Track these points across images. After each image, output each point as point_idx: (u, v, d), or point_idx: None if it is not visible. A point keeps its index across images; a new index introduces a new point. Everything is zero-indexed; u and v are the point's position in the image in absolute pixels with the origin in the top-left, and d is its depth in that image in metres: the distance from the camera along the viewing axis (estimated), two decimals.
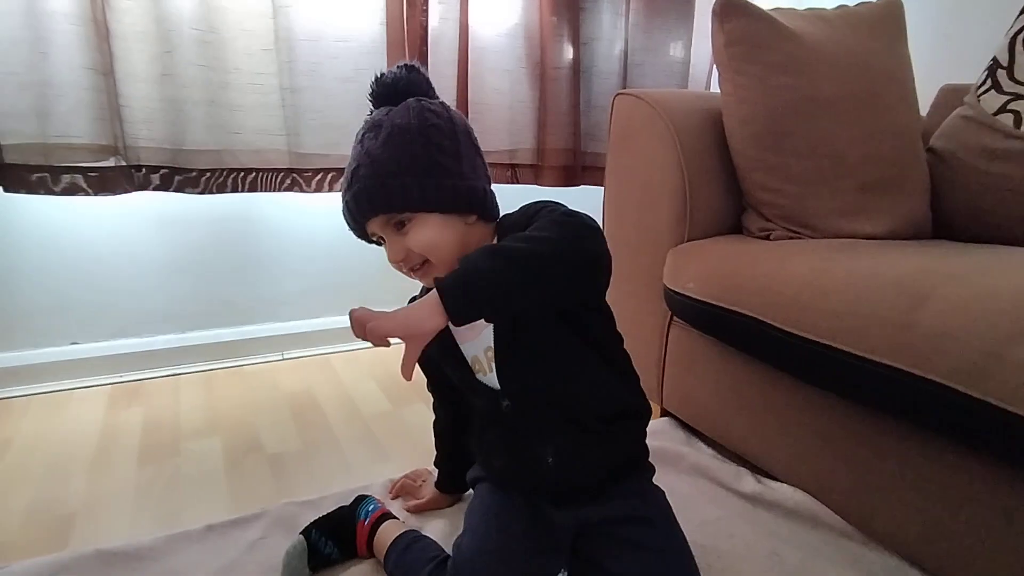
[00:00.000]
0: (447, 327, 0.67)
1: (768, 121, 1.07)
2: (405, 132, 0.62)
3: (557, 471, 0.69)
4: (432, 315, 0.54)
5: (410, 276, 0.68)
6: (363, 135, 0.64)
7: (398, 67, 0.67)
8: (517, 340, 0.67)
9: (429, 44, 1.43)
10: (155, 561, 0.81)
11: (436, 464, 0.92)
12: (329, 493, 0.94)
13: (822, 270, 0.87)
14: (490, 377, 0.70)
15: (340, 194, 0.66)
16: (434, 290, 0.54)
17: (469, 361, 0.71)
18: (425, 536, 0.80)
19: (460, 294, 0.54)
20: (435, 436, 0.91)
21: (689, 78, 1.80)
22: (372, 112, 0.67)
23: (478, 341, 0.70)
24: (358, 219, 0.64)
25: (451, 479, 0.90)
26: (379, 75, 0.67)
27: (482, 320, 0.67)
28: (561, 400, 0.69)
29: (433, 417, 0.91)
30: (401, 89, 0.66)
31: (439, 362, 0.76)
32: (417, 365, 0.68)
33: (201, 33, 1.21)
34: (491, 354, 0.68)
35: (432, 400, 0.90)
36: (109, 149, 1.17)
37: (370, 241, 0.69)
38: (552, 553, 0.69)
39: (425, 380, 0.87)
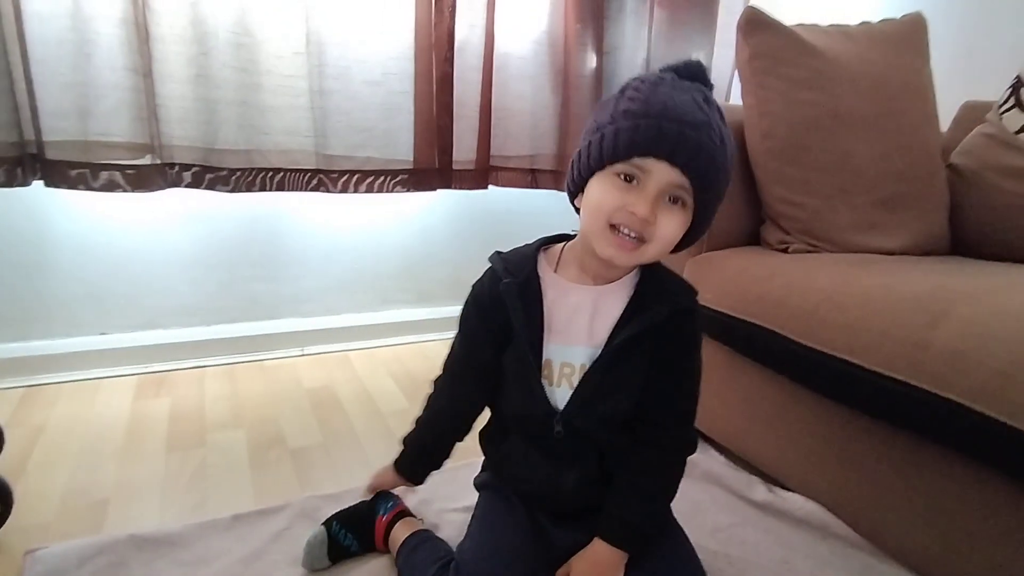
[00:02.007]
0: (542, 313, 0.66)
1: (789, 135, 1.09)
2: (734, 148, 0.62)
3: (573, 495, 0.70)
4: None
5: (610, 234, 0.60)
6: (704, 100, 0.58)
7: (699, 61, 0.62)
8: (611, 373, 0.65)
9: (455, 50, 1.46)
10: (185, 547, 0.84)
11: (406, 441, 0.82)
12: (350, 487, 0.97)
13: (840, 285, 0.88)
14: (556, 392, 0.67)
15: (646, 106, 0.57)
16: (606, 549, 0.67)
17: (543, 361, 0.67)
18: (436, 537, 0.81)
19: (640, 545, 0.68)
20: (426, 411, 0.80)
21: None
22: (674, 75, 0.61)
23: (566, 349, 0.66)
24: (677, 155, 0.56)
25: (415, 466, 0.82)
26: (692, 60, 0.62)
27: (585, 329, 0.66)
28: (607, 439, 0.69)
29: (433, 392, 0.80)
30: (704, 81, 0.62)
31: (504, 338, 0.68)
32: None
33: (236, 36, 1.25)
34: (568, 370, 0.66)
35: (443, 374, 0.78)
36: (145, 147, 1.21)
37: (603, 163, 0.59)
38: (547, 568, 0.70)
39: (449, 355, 0.78)
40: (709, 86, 0.61)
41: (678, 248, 0.64)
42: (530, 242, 0.72)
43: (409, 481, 0.83)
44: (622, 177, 0.59)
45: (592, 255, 0.63)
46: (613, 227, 0.59)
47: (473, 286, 0.72)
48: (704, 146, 0.56)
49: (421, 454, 0.82)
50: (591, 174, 0.61)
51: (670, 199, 0.59)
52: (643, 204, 0.57)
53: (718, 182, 0.59)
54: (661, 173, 0.57)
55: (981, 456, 0.71)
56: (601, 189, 0.60)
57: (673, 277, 0.69)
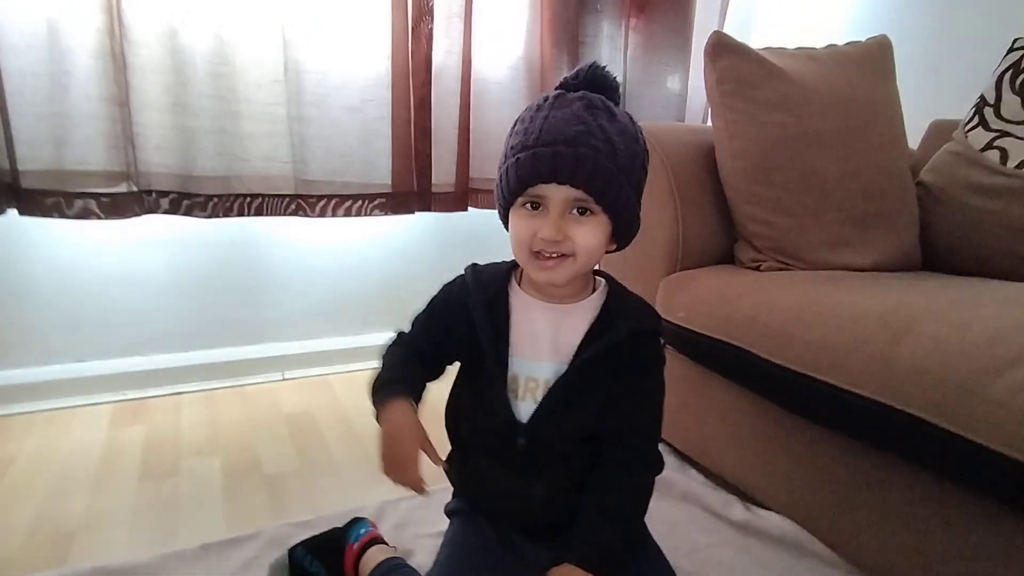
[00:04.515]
0: (508, 328, 0.67)
1: (759, 156, 1.11)
2: (635, 140, 0.63)
3: (542, 508, 0.70)
4: None
5: (535, 260, 0.63)
6: (584, 108, 0.60)
7: (595, 63, 0.64)
8: (574, 390, 0.66)
9: (433, 76, 1.48)
10: None
11: (383, 380, 0.68)
12: (323, 514, 0.96)
13: (808, 303, 0.89)
14: (520, 405, 0.67)
15: (525, 137, 0.60)
16: (578, 572, 0.64)
17: (509, 378, 0.67)
18: (407, 565, 0.80)
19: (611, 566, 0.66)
20: (393, 356, 0.71)
21: (687, 110, 1.85)
22: (560, 92, 0.63)
23: (532, 364, 0.67)
24: (558, 175, 0.59)
25: (414, 388, 0.69)
26: (585, 65, 0.64)
27: (549, 345, 0.67)
28: (571, 452, 0.68)
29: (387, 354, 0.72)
30: (600, 84, 0.64)
31: (461, 346, 0.69)
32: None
33: (214, 65, 1.27)
34: (533, 385, 0.67)
35: (395, 346, 0.73)
36: (122, 175, 1.22)
37: (509, 199, 0.63)
38: None
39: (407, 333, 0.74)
40: (601, 88, 0.63)
41: (619, 247, 0.68)
42: (507, 259, 0.72)
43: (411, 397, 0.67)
44: (528, 207, 0.62)
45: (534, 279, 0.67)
46: (536, 253, 0.62)
47: (445, 286, 0.73)
48: (582, 157, 0.58)
49: (413, 379, 0.70)
50: (507, 210, 0.65)
51: (577, 211, 0.61)
52: (548, 227, 0.60)
53: (613, 182, 0.60)
54: (555, 194, 0.60)
55: (947, 472, 0.71)
56: (515, 222, 0.64)
57: (636, 299, 0.71)
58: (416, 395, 0.68)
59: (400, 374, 0.69)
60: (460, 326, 0.69)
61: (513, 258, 0.71)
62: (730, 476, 1.07)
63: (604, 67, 0.64)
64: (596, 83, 0.63)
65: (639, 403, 0.69)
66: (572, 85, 0.63)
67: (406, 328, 0.75)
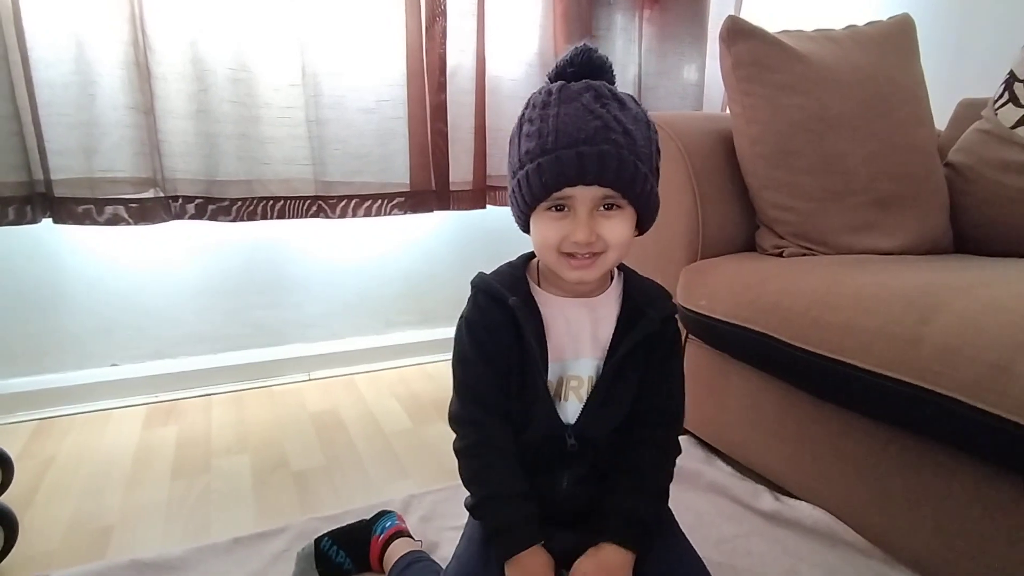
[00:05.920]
0: (543, 331, 0.65)
1: (777, 140, 1.09)
2: (646, 125, 0.61)
3: (567, 498, 0.69)
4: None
5: (565, 260, 0.61)
6: (594, 100, 0.57)
7: (585, 47, 0.61)
8: (616, 381, 0.66)
9: (448, 75, 1.49)
10: (185, 571, 0.84)
11: (505, 510, 0.64)
12: (350, 508, 0.97)
13: (832, 285, 0.87)
14: (566, 407, 0.66)
15: (541, 139, 0.57)
16: (614, 551, 0.63)
17: (549, 383, 0.66)
18: (429, 559, 0.80)
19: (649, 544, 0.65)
20: (491, 460, 0.66)
21: (704, 100, 1.83)
22: (562, 83, 0.60)
23: (572, 363, 0.66)
24: (586, 176, 0.56)
25: (525, 530, 0.64)
26: (578, 50, 0.60)
27: (588, 341, 0.66)
28: (607, 441, 0.68)
29: (465, 440, 0.67)
30: (597, 68, 0.61)
31: (510, 366, 0.65)
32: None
33: (234, 72, 1.29)
34: (576, 383, 0.66)
35: (465, 429, 0.68)
36: (149, 182, 1.25)
37: (532, 205, 0.60)
38: None
39: (455, 396, 0.69)
40: (599, 72, 0.60)
41: (641, 232, 0.65)
42: (510, 260, 0.71)
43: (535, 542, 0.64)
44: (553, 209, 0.60)
45: (561, 277, 0.64)
46: (566, 253, 0.60)
47: (464, 319, 0.67)
48: (605, 154, 0.56)
49: (532, 506, 0.66)
50: (527, 215, 0.62)
51: (604, 207, 0.59)
52: (580, 230, 0.58)
53: (638, 175, 0.58)
54: (582, 195, 0.58)
55: (981, 453, 0.69)
56: (540, 226, 0.61)
57: (651, 283, 0.71)
58: (536, 519, 0.64)
59: (516, 507, 0.64)
60: (502, 341, 0.65)
61: (514, 259, 0.71)
62: (758, 466, 1.06)
63: (595, 49, 0.61)
64: (593, 68, 0.60)
65: (667, 384, 0.69)
66: (570, 73, 0.60)
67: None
